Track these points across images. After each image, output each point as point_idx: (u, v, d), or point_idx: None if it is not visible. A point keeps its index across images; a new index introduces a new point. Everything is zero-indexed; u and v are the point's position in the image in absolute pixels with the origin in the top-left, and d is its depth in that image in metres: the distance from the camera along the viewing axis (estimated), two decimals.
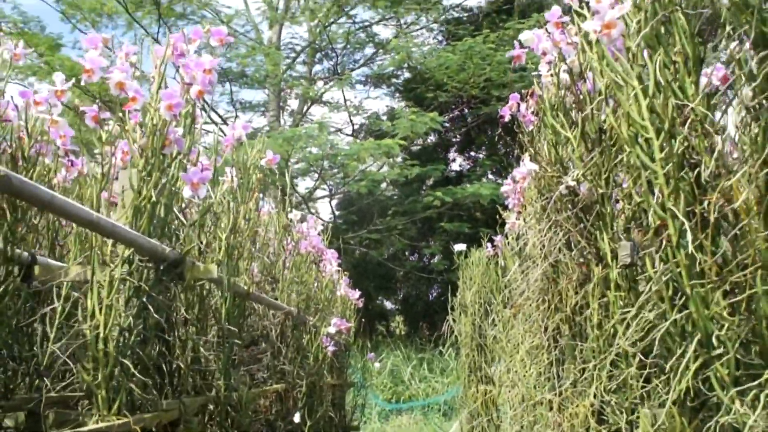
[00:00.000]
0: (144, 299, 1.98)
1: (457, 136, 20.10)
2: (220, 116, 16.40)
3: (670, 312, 1.69)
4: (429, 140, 19.91)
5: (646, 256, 1.82)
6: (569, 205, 2.49)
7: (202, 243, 2.44)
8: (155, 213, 2.06)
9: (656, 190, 1.71)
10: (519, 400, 3.88)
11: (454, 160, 20.34)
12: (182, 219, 2.24)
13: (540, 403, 3.29)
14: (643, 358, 1.86)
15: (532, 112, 2.97)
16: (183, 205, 2.33)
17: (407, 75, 19.52)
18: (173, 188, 2.14)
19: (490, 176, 17.76)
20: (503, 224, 4.62)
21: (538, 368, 3.40)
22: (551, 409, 2.99)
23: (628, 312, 1.91)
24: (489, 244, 4.53)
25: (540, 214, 3.23)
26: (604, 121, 2.29)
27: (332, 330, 4.08)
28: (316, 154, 13.52)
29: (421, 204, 15.80)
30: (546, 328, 3.42)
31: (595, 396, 2.41)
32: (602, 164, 2.28)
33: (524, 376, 3.56)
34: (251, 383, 3.29)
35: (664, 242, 1.70)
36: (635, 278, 2.21)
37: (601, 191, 2.26)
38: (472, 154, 20.36)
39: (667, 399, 1.67)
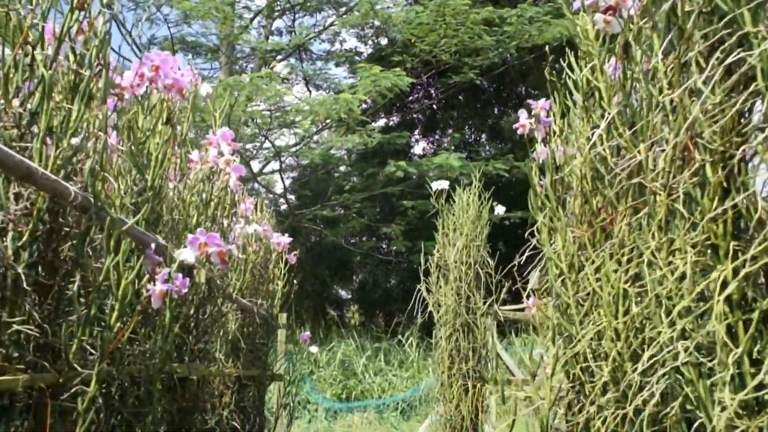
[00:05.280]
0: None
1: (422, 117, 17.74)
2: None
3: None
4: (392, 119, 17.53)
5: None
6: None
7: None
8: None
9: None
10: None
11: (417, 141, 17.97)
12: None
13: None
14: None
15: None
16: None
17: (370, 50, 17.14)
18: None
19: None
20: None
21: None
22: None
23: None
24: (521, 115, 2.09)
25: None
26: None
27: (188, 255, 1.66)
28: (264, 114, 11.01)
29: (381, 180, 13.37)
30: None
31: None
32: None
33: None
34: None
35: None
36: None
37: None
38: (437, 137, 18.02)
39: None
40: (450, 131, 16.88)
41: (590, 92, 1.88)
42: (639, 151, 1.53)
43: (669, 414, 1.33)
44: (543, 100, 2.21)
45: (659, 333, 1.35)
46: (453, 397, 4.22)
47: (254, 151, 14.37)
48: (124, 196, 1.76)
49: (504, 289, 4.42)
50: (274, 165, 14.48)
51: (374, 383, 9.84)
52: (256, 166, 14.36)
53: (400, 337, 11.21)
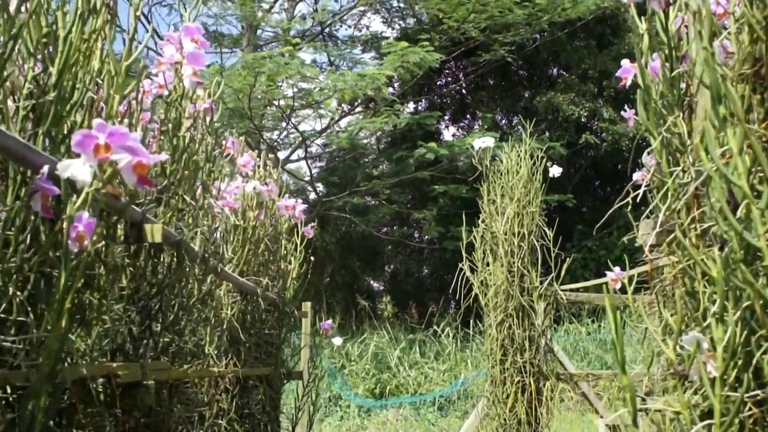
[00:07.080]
0: None
1: (450, 101, 16.89)
2: None
3: None
4: (420, 104, 16.72)
5: None
6: None
7: None
8: None
9: None
10: None
11: (447, 127, 17.13)
12: None
13: None
14: None
15: None
16: None
17: (396, 34, 16.38)
18: None
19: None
20: None
21: None
22: None
23: None
24: None
25: None
26: None
27: (79, 169, 0.91)
28: (287, 95, 10.29)
29: (412, 165, 12.59)
30: None
31: None
32: None
33: None
34: None
35: None
36: None
37: None
38: (467, 122, 17.16)
39: None
40: (480, 114, 16.06)
41: None
42: None
43: None
44: None
45: None
46: (507, 396, 3.43)
47: (279, 140, 13.72)
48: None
49: (565, 265, 3.63)
50: (300, 153, 13.81)
51: (409, 377, 9.07)
52: (282, 155, 13.72)
53: (435, 327, 10.42)
